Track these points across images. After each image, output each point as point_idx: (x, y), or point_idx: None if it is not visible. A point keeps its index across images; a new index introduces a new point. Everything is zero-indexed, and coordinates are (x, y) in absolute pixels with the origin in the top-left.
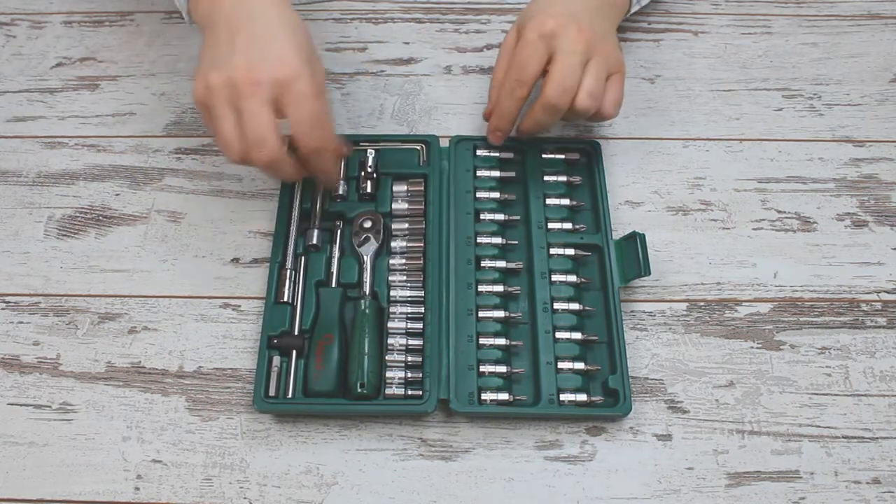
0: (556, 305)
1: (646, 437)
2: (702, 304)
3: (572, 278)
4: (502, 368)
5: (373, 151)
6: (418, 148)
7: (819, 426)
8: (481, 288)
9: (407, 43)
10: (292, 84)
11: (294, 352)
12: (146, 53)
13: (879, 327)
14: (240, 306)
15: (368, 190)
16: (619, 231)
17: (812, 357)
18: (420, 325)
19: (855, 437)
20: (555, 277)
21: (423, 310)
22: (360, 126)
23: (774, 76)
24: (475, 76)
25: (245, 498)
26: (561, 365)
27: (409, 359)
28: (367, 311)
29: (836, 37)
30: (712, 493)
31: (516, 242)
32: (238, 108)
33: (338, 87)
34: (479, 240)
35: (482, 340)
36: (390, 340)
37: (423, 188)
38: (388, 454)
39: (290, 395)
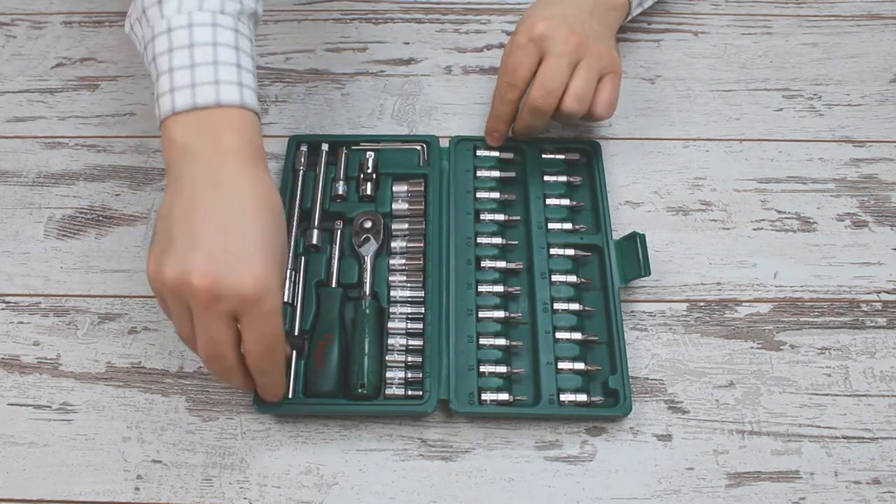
0: (557, 305)
1: (646, 437)
2: (702, 304)
3: (572, 278)
4: (502, 368)
5: (372, 152)
6: (418, 148)
7: (819, 426)
8: (481, 288)
9: (407, 43)
10: (257, 304)
11: (294, 352)
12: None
13: (879, 327)
14: None
15: (368, 191)
16: (619, 231)
17: (812, 357)
18: (420, 326)
19: (855, 438)
20: (555, 277)
21: (423, 310)
22: (360, 126)
23: (774, 76)
24: (475, 76)
25: (245, 498)
26: (561, 365)
27: (410, 359)
28: (367, 311)
29: (836, 37)
30: (712, 493)
31: (516, 242)
32: (193, 316)
33: (338, 88)
34: (479, 240)
35: (482, 340)
36: (390, 341)
37: (423, 188)
38: (388, 454)
39: (290, 396)
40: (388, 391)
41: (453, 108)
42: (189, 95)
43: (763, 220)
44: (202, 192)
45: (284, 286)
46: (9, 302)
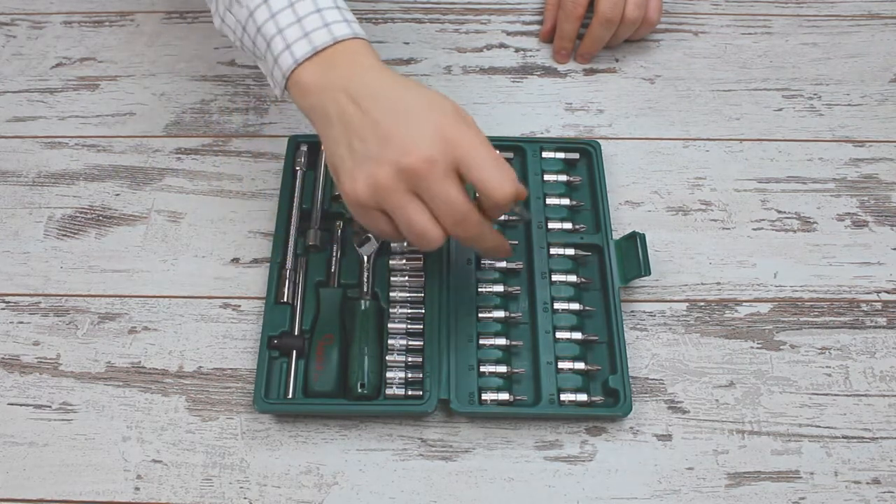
0: (557, 305)
1: (646, 437)
2: (702, 304)
3: (572, 278)
4: (502, 368)
5: None
6: None
7: (819, 426)
8: (481, 288)
9: (407, 43)
10: (462, 140)
11: (294, 352)
12: (146, 53)
13: (879, 327)
14: (240, 306)
15: None
16: (619, 231)
17: (812, 357)
18: (420, 326)
19: (855, 437)
20: (555, 277)
21: (423, 310)
22: None
23: (774, 76)
24: (475, 76)
25: (245, 498)
26: (561, 365)
27: (410, 359)
28: (367, 311)
29: (836, 37)
30: (712, 493)
31: (516, 242)
32: (423, 193)
33: None
34: None
35: (482, 340)
36: (390, 341)
37: None
38: (389, 454)
39: (290, 396)
40: (389, 391)
41: None
42: (306, 43)
43: (763, 219)
44: (366, 108)
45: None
46: (9, 302)
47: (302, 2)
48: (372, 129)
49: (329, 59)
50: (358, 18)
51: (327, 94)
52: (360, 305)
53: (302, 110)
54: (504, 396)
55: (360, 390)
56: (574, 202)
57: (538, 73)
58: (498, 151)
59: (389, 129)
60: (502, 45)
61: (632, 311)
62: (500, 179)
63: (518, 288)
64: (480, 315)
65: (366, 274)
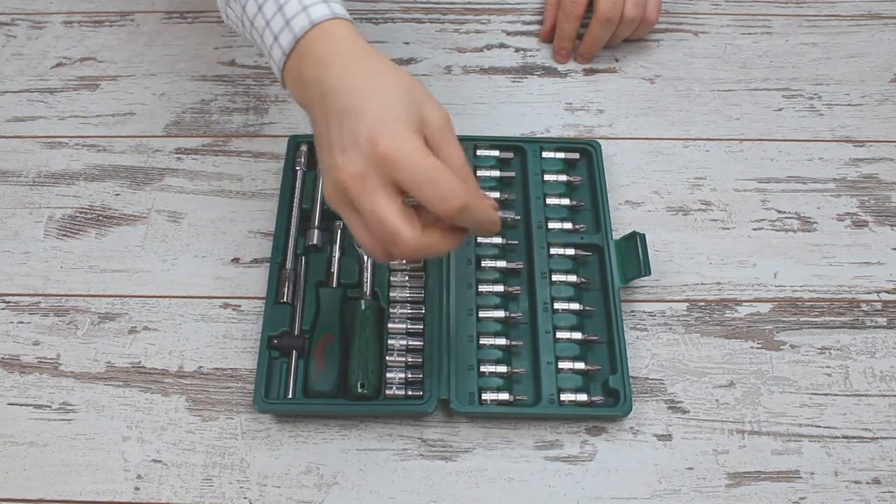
0: (557, 305)
1: (646, 437)
2: (702, 304)
3: (572, 278)
4: (502, 368)
5: None
6: None
7: (819, 426)
8: (481, 288)
9: (407, 43)
10: (395, 155)
11: (294, 352)
12: (146, 53)
13: (879, 327)
14: (240, 306)
15: None
16: (619, 231)
17: (812, 357)
18: (420, 326)
19: (855, 437)
20: (555, 277)
21: (423, 310)
22: None
23: (774, 76)
24: (475, 76)
25: (245, 498)
26: (561, 365)
27: (410, 359)
28: (367, 311)
29: (836, 37)
30: (712, 493)
31: (516, 242)
32: (357, 208)
33: None
34: (479, 240)
35: (482, 340)
36: (390, 341)
37: None
38: (389, 454)
39: (290, 396)
40: (389, 391)
41: (453, 108)
42: (288, 32)
43: (763, 219)
44: (326, 104)
45: (445, 134)
46: (9, 302)
47: None
48: (326, 134)
49: (308, 47)
50: (358, 18)
51: (308, 88)
52: (360, 305)
53: (299, 104)
54: (504, 396)
55: (360, 390)
56: (574, 202)
57: (538, 73)
58: (499, 151)
59: (335, 136)
60: (502, 45)
61: (632, 311)
62: (438, 196)
63: (518, 288)
64: (480, 315)
65: (366, 274)
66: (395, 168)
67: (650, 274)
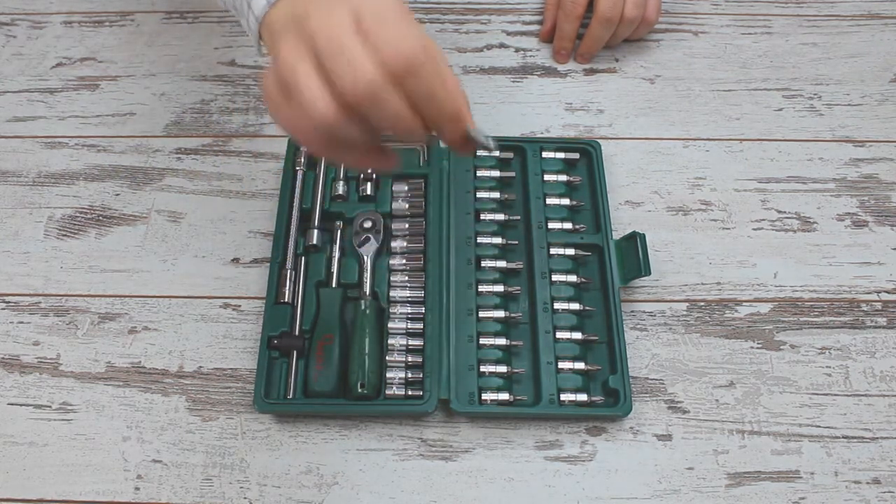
0: (557, 305)
1: (646, 437)
2: (702, 304)
3: (572, 278)
4: (502, 368)
5: None
6: (418, 148)
7: (819, 426)
8: (481, 288)
9: None
10: (315, 25)
11: (294, 352)
12: (146, 53)
13: (879, 327)
14: (240, 306)
15: (368, 190)
16: (619, 231)
17: (812, 357)
18: (420, 326)
19: (855, 437)
20: (555, 277)
21: (423, 310)
22: None
23: (774, 76)
24: (475, 76)
25: (245, 498)
26: (561, 365)
27: (410, 359)
28: (367, 311)
29: (836, 37)
30: (712, 493)
31: (516, 242)
32: (287, 86)
33: None
34: (479, 240)
35: (482, 340)
36: (390, 341)
37: (423, 188)
38: (389, 454)
39: (290, 396)
40: (389, 391)
41: None
42: None
43: (763, 219)
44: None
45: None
46: (9, 302)
47: None
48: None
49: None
50: None
51: (286, 26)
52: (360, 305)
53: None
54: (504, 396)
55: (360, 390)
56: (574, 202)
57: (538, 73)
58: (499, 151)
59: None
60: (502, 45)
61: (632, 311)
62: (345, 66)
63: (518, 288)
64: (480, 315)
65: (366, 274)
66: (314, 37)
67: (650, 274)
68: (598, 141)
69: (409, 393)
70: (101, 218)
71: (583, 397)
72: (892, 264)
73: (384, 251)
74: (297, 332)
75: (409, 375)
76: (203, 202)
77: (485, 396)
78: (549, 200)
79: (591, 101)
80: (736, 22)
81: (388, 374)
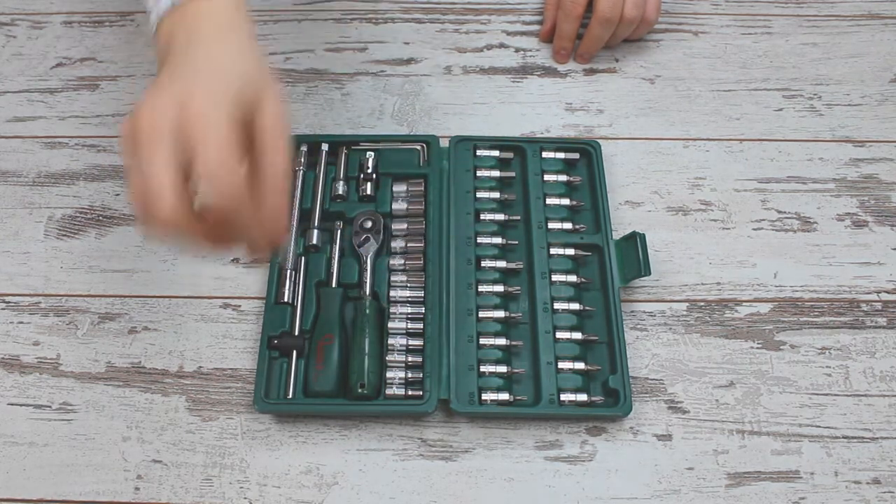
0: (557, 305)
1: (646, 437)
2: (702, 304)
3: (572, 278)
4: (502, 368)
5: (372, 152)
6: (418, 148)
7: (819, 426)
8: (481, 288)
9: (407, 43)
10: (200, 113)
11: (294, 352)
12: (146, 53)
13: (879, 327)
14: (240, 306)
15: (368, 191)
16: (619, 231)
17: (812, 357)
18: (420, 326)
19: (855, 438)
20: (555, 277)
21: (423, 310)
22: (360, 126)
23: (774, 76)
24: (475, 76)
25: (245, 498)
26: (561, 365)
27: (410, 359)
28: (367, 311)
29: (836, 37)
30: (712, 493)
31: (516, 242)
32: (138, 154)
33: (338, 88)
34: (479, 240)
35: (482, 340)
36: (391, 340)
37: (423, 188)
38: (389, 454)
39: (290, 396)
40: (389, 391)
41: (453, 108)
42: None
43: (763, 220)
44: (172, 60)
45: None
46: (9, 302)
47: None
48: (159, 79)
49: (181, 11)
50: (358, 18)
51: (170, 46)
52: (360, 305)
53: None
54: (504, 396)
55: (360, 390)
56: (574, 202)
57: (538, 73)
58: (499, 151)
59: (164, 80)
60: (502, 45)
61: (632, 311)
62: (213, 180)
63: (518, 288)
64: (480, 315)
65: (366, 274)
66: (192, 128)
67: (650, 274)
68: (598, 141)
69: (409, 393)
70: (101, 218)
71: (583, 397)
72: (892, 264)
73: (384, 251)
74: (297, 332)
75: (409, 375)
76: None
77: (485, 396)
78: (549, 200)
79: (590, 101)
80: (736, 22)
81: (388, 374)
